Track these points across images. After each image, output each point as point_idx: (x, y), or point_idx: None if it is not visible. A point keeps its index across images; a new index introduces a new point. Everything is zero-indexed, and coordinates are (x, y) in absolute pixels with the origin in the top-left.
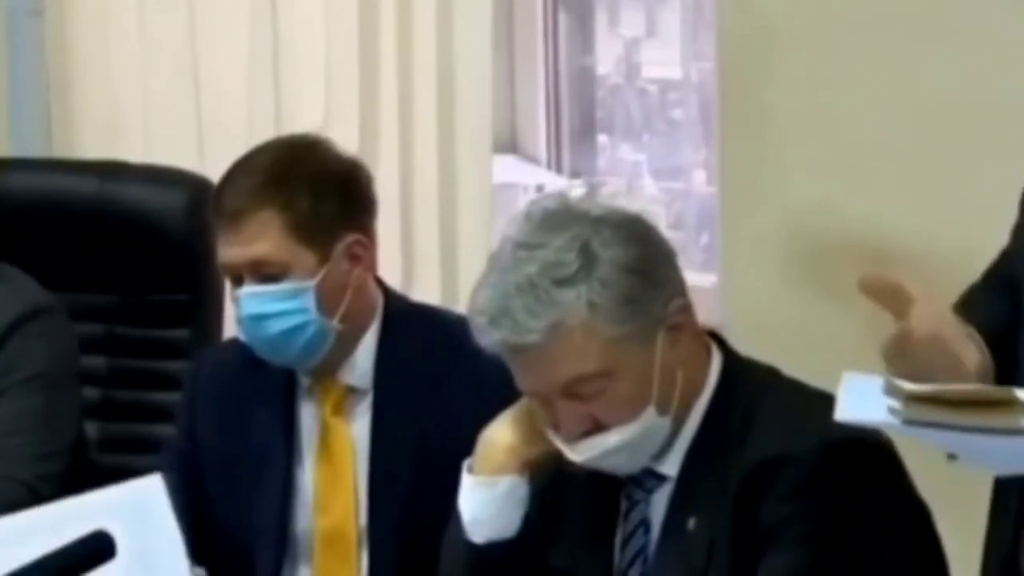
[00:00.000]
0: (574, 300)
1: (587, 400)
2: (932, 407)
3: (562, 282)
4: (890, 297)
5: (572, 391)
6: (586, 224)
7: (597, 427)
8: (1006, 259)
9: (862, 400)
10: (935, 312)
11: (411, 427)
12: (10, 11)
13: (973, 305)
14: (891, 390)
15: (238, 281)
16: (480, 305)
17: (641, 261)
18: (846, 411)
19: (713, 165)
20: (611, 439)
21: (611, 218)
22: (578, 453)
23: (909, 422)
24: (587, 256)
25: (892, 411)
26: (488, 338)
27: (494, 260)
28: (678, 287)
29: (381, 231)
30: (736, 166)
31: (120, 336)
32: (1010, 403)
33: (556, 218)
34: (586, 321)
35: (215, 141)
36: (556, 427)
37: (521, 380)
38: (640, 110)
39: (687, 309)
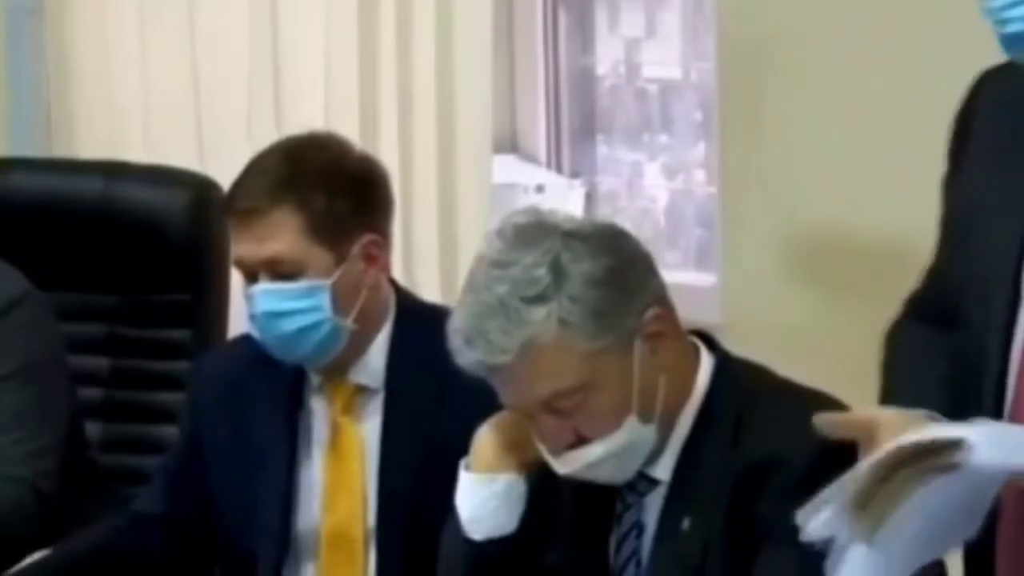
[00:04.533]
0: (544, 318)
1: (568, 414)
2: (878, 504)
3: (532, 300)
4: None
5: (551, 406)
6: (557, 238)
7: (580, 440)
8: (932, 283)
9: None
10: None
11: (422, 427)
12: (10, 11)
13: (917, 384)
14: (838, 514)
15: (252, 278)
16: (457, 325)
17: (612, 273)
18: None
19: (713, 165)
20: (595, 451)
21: (582, 231)
22: (564, 465)
23: (873, 539)
24: (557, 272)
25: (855, 534)
26: (465, 359)
27: (470, 279)
28: (655, 294)
29: None
30: (736, 166)
31: (122, 336)
32: (941, 451)
33: (527, 234)
34: (559, 338)
35: (215, 141)
36: (541, 440)
37: (502, 397)
38: (640, 110)
39: (665, 316)
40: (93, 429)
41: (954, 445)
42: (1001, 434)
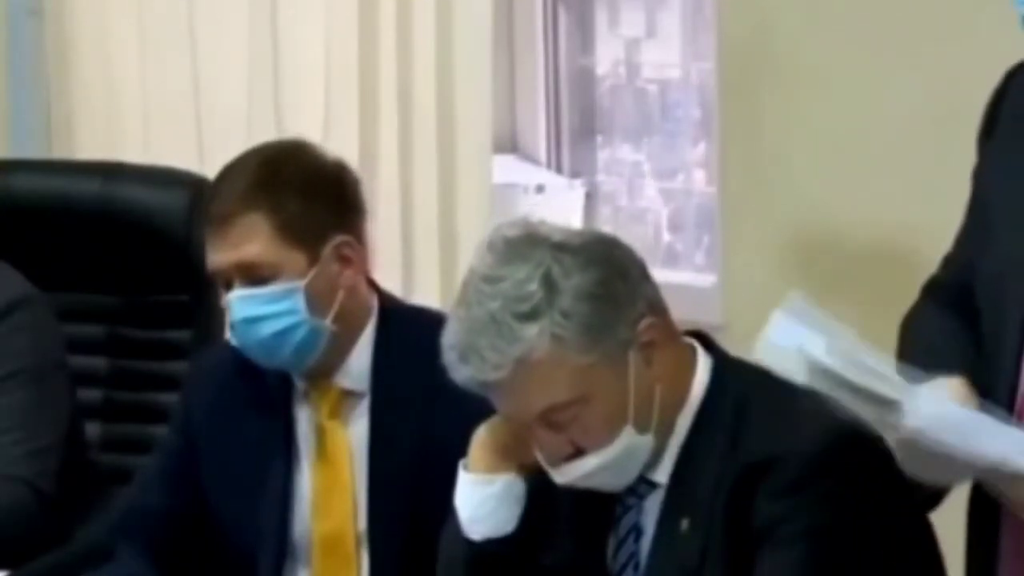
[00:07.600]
0: (537, 334)
1: (563, 427)
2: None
3: (524, 317)
4: None
5: (547, 420)
6: (547, 251)
7: (578, 451)
8: (952, 268)
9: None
10: None
11: (410, 429)
12: (10, 11)
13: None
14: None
15: (229, 287)
16: (450, 341)
17: (603, 285)
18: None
19: (713, 165)
20: (592, 462)
21: (572, 243)
22: (562, 475)
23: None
24: (548, 287)
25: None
26: (459, 374)
27: (462, 293)
28: (648, 303)
29: (381, 232)
30: (736, 166)
31: (121, 337)
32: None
33: (518, 247)
34: (552, 353)
35: (215, 141)
36: (539, 451)
37: (498, 410)
38: (640, 110)
39: (659, 324)
40: (92, 429)
41: (893, 404)
42: (949, 414)
